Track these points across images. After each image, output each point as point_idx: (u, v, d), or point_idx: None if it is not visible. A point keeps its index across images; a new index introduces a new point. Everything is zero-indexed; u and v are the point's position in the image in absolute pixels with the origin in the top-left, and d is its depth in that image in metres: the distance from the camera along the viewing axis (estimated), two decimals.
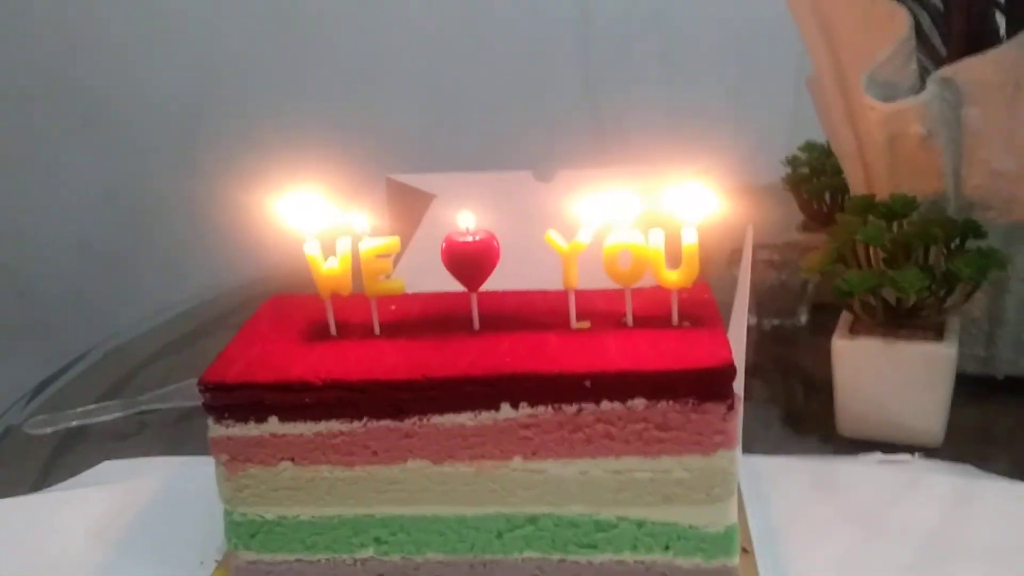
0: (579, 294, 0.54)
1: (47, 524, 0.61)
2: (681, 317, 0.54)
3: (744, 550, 0.55)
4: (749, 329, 0.74)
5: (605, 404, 0.50)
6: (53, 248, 1.41)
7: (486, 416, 0.51)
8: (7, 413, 0.83)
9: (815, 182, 0.92)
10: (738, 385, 0.66)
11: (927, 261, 0.65)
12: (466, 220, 0.55)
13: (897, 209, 0.66)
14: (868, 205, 0.68)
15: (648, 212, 0.54)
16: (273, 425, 0.52)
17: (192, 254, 1.35)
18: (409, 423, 0.51)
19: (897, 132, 0.67)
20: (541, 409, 0.50)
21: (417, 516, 0.53)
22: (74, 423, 0.78)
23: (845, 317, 0.69)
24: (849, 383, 0.67)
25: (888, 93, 0.65)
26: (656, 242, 0.53)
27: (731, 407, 0.50)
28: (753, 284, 0.84)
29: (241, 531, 0.54)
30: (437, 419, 0.51)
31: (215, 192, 1.33)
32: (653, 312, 0.55)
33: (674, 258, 0.54)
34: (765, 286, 0.88)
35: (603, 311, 0.56)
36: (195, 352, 0.95)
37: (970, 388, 0.70)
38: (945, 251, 0.65)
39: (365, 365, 0.51)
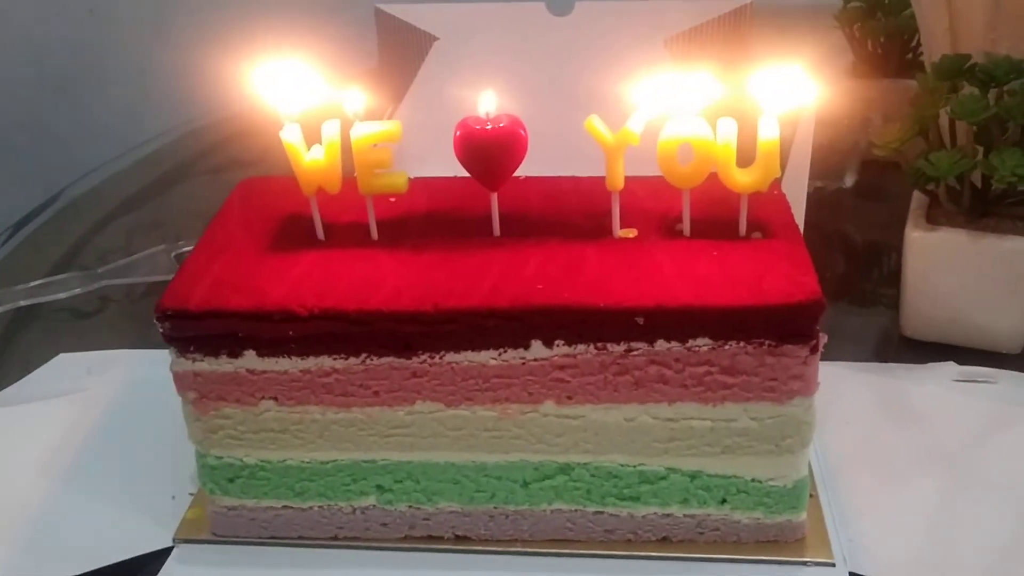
0: (624, 185, 0.44)
1: None
2: (750, 226, 0.44)
3: (809, 495, 0.47)
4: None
5: (661, 344, 0.40)
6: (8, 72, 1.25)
7: (513, 355, 0.41)
8: None
9: (873, 20, 0.79)
10: None
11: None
12: (487, 102, 0.43)
13: (999, 75, 0.55)
14: (959, 68, 0.57)
15: (723, 98, 0.42)
16: (250, 360, 0.42)
17: (157, 80, 1.20)
18: (417, 361, 0.42)
19: None
20: (581, 348, 0.41)
21: (427, 463, 0.44)
22: (23, 302, 0.68)
23: (919, 201, 0.58)
24: (923, 279, 0.58)
25: None
26: (726, 134, 0.42)
27: (815, 349, 0.40)
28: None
29: (217, 475, 0.45)
30: (452, 357, 0.41)
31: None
32: (714, 215, 0.44)
33: (746, 155, 0.43)
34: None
35: (653, 212, 0.45)
36: (161, 207, 0.84)
37: None
38: None
39: (362, 288, 0.41)
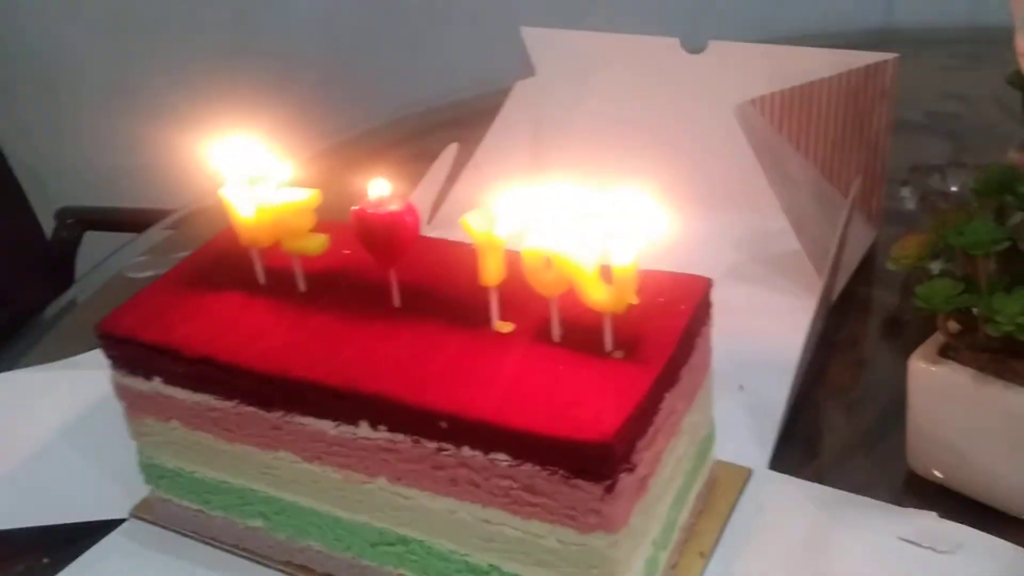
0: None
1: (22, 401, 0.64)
2: (621, 340, 0.43)
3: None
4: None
5: (466, 450, 0.41)
6: None
7: (345, 429, 0.44)
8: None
9: None
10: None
11: None
12: (378, 188, 0.45)
13: None
14: (1009, 181, 0.49)
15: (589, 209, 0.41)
16: (158, 385, 0.48)
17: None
18: (275, 416, 0.46)
19: None
20: (400, 436, 0.43)
21: (296, 504, 0.48)
22: None
23: (943, 327, 0.52)
24: (926, 415, 0.51)
25: None
26: (588, 250, 0.41)
27: (609, 489, 0.39)
28: None
29: (150, 472, 0.52)
30: (300, 419, 0.45)
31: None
32: (592, 325, 0.43)
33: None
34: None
35: (540, 305, 0.45)
36: None
37: None
38: None
39: (242, 342, 0.46)
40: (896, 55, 0.70)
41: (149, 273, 0.79)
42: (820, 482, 0.53)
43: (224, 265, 0.52)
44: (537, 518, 0.41)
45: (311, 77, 1.26)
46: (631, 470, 0.40)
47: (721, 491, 0.52)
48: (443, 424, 0.41)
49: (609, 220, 0.41)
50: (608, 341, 0.43)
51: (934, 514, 0.50)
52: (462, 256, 0.49)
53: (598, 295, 0.42)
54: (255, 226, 0.49)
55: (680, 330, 0.44)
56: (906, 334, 0.65)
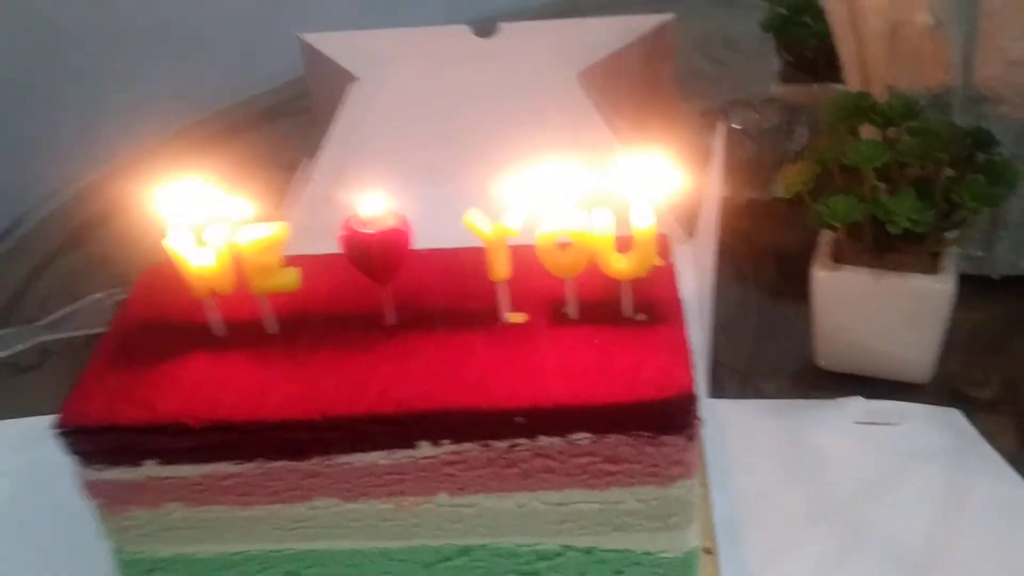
0: (517, 257, 0.45)
1: None
2: (636, 305, 0.45)
3: (707, 551, 0.49)
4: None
5: (543, 439, 0.42)
6: None
7: (402, 455, 0.43)
8: None
9: (799, 25, 0.79)
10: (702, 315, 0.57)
11: (926, 181, 0.55)
12: (372, 205, 0.44)
13: (895, 115, 0.56)
14: (860, 107, 0.57)
15: (595, 189, 0.43)
16: (152, 468, 0.43)
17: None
18: (311, 464, 0.43)
19: (901, 20, 0.55)
20: (467, 445, 0.42)
21: (333, 550, 0.46)
22: None
23: (826, 238, 0.59)
24: (830, 316, 0.59)
25: None
26: (602, 223, 0.43)
27: (691, 437, 0.42)
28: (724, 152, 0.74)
29: (134, 569, 0.47)
30: (344, 458, 0.43)
31: None
32: (602, 296, 0.45)
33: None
34: (737, 156, 0.77)
35: (544, 292, 0.46)
36: (102, 243, 0.85)
37: (965, 289, 0.62)
38: (950, 170, 0.55)
39: (252, 396, 0.43)
40: (672, 15, 0.78)
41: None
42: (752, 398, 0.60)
43: (166, 324, 0.47)
44: (616, 485, 0.43)
45: None
46: (698, 416, 0.43)
47: None
48: (519, 420, 0.41)
49: (620, 188, 0.43)
50: (627, 307, 0.45)
51: (860, 398, 0.58)
52: (436, 263, 0.49)
53: (620, 264, 0.44)
54: (216, 273, 0.45)
55: (676, 285, 0.47)
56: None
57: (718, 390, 0.60)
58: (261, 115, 1.00)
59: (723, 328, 0.64)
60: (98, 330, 0.71)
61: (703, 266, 0.64)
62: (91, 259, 0.83)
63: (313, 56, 0.78)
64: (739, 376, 0.63)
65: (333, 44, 0.78)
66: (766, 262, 0.75)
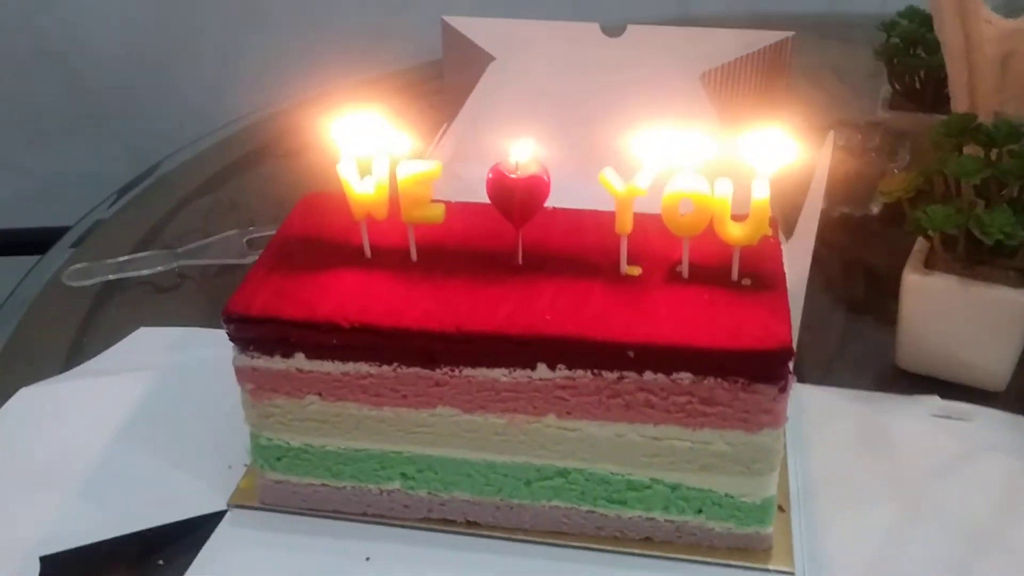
0: (637, 222, 0.50)
1: (75, 413, 0.61)
2: (742, 272, 0.50)
3: (780, 508, 0.53)
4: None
5: (648, 375, 0.47)
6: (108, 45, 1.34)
7: (521, 374, 0.48)
8: (43, 262, 0.81)
9: (911, 56, 0.83)
10: (796, 304, 0.61)
11: (1022, 200, 0.59)
12: (520, 151, 0.49)
13: (999, 137, 0.59)
14: (966, 128, 0.61)
15: (720, 158, 0.48)
16: (300, 361, 0.49)
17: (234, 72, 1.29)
18: (440, 372, 0.48)
19: (1013, 49, 0.58)
20: (580, 372, 0.47)
21: (445, 458, 0.51)
22: (111, 276, 0.77)
23: (920, 245, 0.63)
24: (916, 319, 0.63)
25: (1011, 7, 0.57)
26: (723, 191, 0.48)
27: (783, 389, 0.46)
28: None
29: (267, 454, 0.53)
30: (469, 371, 0.48)
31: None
32: (712, 261, 0.50)
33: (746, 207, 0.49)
34: (838, 172, 0.81)
35: (658, 252, 0.51)
36: (237, 189, 0.92)
37: None
38: None
39: (396, 308, 0.48)
40: (792, 33, 0.83)
41: (92, 280, 0.76)
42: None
43: (322, 242, 0.53)
44: (709, 426, 0.48)
45: None
46: (791, 370, 0.47)
47: None
48: (631, 353, 0.46)
49: (737, 160, 0.48)
50: (735, 272, 0.50)
51: (936, 396, 0.61)
52: (565, 218, 0.54)
53: (735, 230, 0.49)
54: (374, 201, 0.51)
55: (781, 258, 0.52)
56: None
57: (801, 379, 0.64)
58: (393, 92, 1.07)
59: (809, 329, 0.69)
60: (231, 261, 0.78)
61: (797, 270, 0.68)
62: (222, 202, 0.90)
63: (454, 37, 0.85)
64: (821, 370, 0.67)
65: (474, 28, 0.84)
66: (855, 274, 0.78)
